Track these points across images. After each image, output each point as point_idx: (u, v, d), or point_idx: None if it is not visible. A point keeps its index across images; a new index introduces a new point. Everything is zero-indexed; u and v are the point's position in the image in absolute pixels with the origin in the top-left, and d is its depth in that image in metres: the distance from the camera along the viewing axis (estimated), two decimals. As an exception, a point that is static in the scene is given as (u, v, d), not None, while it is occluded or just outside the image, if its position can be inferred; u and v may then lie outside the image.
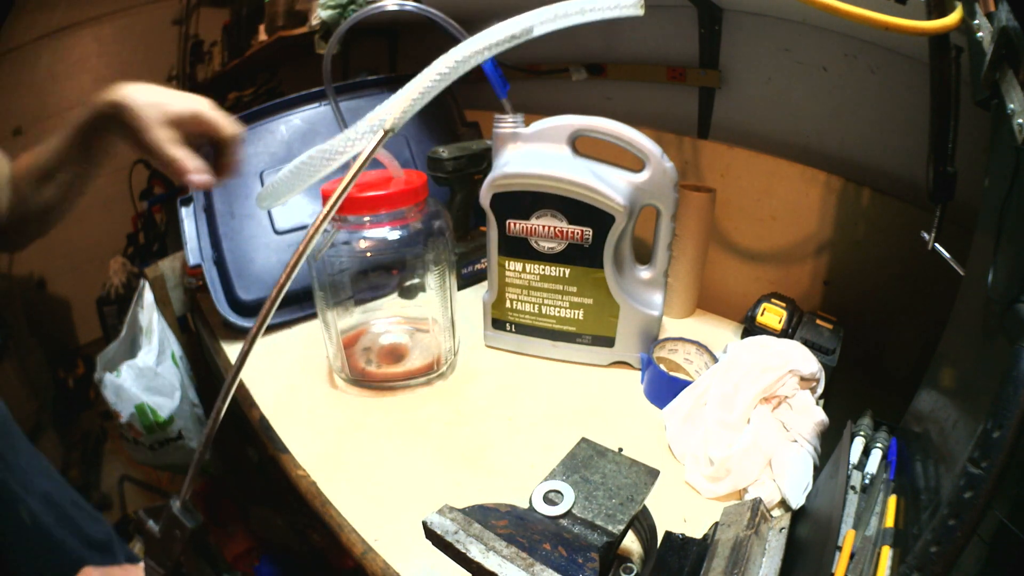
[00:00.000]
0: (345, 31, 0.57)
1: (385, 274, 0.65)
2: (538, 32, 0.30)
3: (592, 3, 0.29)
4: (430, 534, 0.33)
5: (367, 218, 0.61)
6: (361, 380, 0.68)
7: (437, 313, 0.69)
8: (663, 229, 0.66)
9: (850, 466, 0.48)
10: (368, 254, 0.64)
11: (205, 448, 0.35)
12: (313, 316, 0.70)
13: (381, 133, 0.32)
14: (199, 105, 0.49)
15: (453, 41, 0.64)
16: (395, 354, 0.71)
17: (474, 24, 0.58)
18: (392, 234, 0.63)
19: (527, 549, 0.32)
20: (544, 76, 0.98)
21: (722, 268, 0.83)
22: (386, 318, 0.76)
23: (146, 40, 1.42)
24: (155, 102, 0.46)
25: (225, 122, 0.50)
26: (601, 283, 0.67)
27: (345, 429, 0.62)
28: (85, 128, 0.48)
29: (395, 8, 0.58)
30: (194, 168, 0.47)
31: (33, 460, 0.65)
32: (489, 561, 0.31)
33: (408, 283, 0.68)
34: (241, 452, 1.06)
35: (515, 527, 0.34)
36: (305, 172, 0.38)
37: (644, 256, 0.70)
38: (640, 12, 0.32)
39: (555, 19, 0.29)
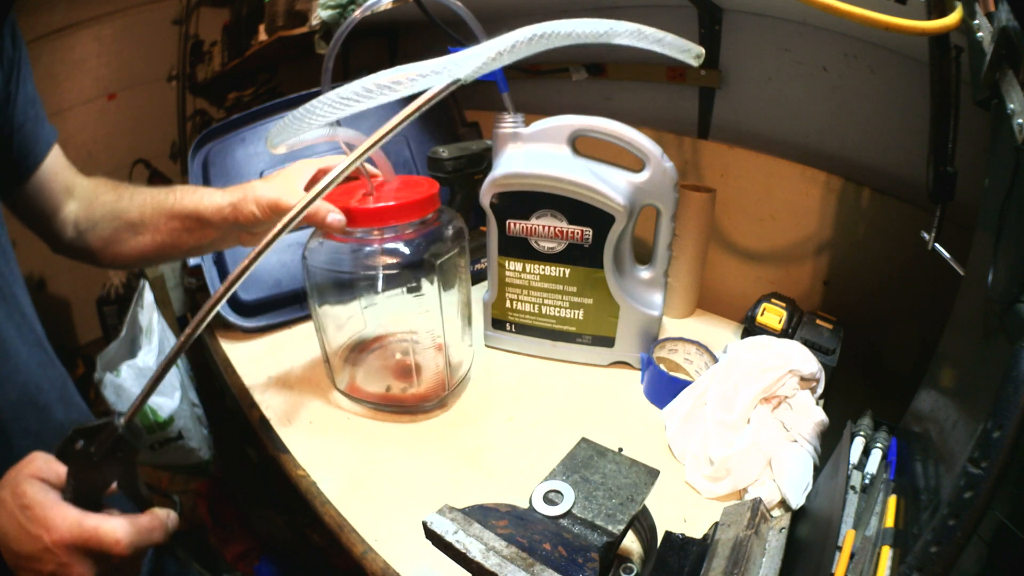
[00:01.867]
0: (346, 32, 0.57)
1: (393, 285, 0.63)
2: (618, 40, 0.31)
3: (664, 37, 0.32)
4: (430, 534, 0.33)
5: (375, 232, 0.57)
6: (375, 404, 0.64)
7: (453, 323, 0.64)
8: (663, 229, 0.66)
9: (850, 466, 0.48)
10: (380, 268, 0.59)
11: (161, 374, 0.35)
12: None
13: (449, 79, 0.31)
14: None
15: (450, 39, 0.64)
16: (406, 372, 0.68)
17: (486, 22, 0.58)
18: (406, 247, 0.59)
19: (527, 549, 0.32)
20: (544, 76, 0.98)
21: (722, 268, 0.83)
22: (389, 330, 0.72)
23: (146, 40, 1.42)
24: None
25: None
26: (601, 283, 0.67)
27: (345, 429, 0.62)
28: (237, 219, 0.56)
29: (391, 3, 0.57)
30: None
31: None
32: (489, 561, 0.31)
33: (416, 293, 0.66)
34: (241, 452, 1.06)
35: (515, 527, 0.34)
36: (317, 113, 0.35)
37: (644, 256, 0.70)
38: (695, 64, 0.37)
39: (637, 35, 0.31)
